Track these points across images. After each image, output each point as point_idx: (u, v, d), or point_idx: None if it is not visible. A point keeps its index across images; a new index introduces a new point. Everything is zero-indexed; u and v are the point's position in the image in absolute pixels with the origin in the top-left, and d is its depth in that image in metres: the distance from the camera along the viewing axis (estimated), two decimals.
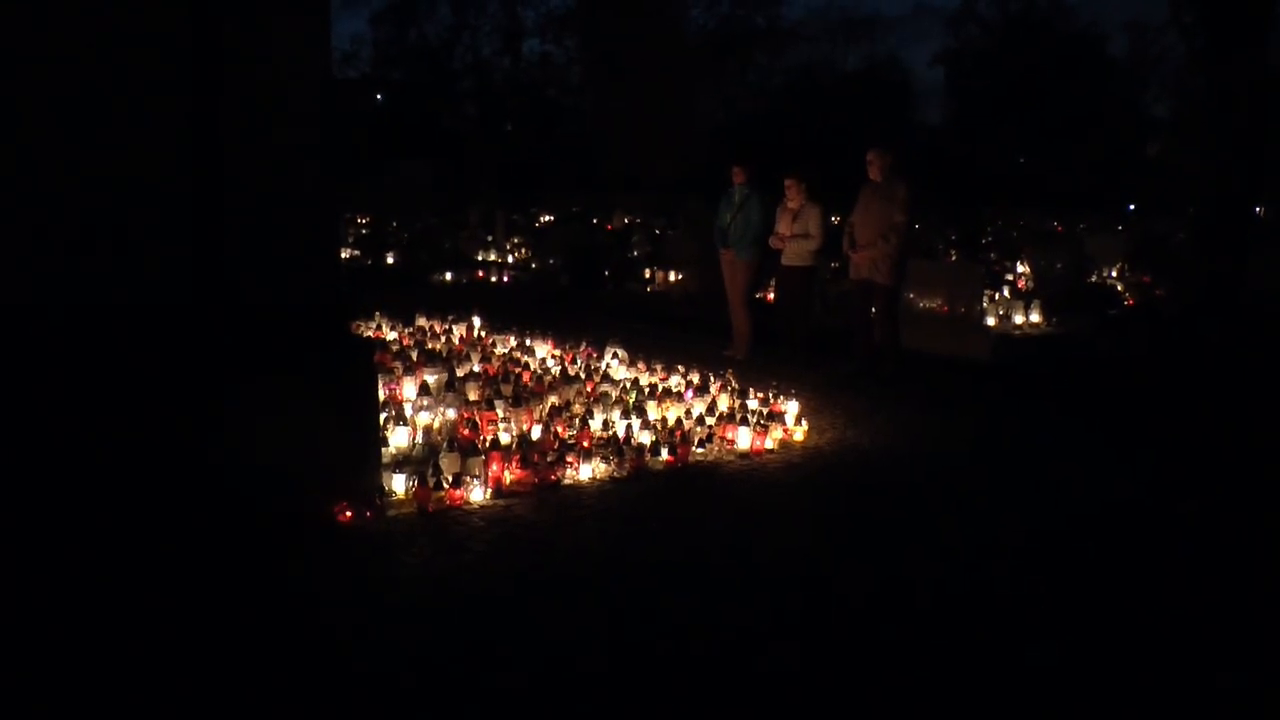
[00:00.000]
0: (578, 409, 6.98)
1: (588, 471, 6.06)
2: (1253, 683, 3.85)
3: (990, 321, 11.82)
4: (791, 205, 9.72)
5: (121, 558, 4.54)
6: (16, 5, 4.82)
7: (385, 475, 5.58)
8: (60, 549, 4.51)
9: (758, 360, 9.52)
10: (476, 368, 7.99)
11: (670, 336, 10.97)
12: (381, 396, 6.32)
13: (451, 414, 6.64)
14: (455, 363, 7.98)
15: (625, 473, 6.15)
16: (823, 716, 3.55)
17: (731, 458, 6.60)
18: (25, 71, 4.81)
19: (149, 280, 5.06)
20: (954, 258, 16.59)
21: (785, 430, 7.05)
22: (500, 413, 6.62)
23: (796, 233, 9.60)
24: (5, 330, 4.71)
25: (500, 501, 5.62)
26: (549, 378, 7.73)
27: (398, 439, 6.25)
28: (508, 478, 5.83)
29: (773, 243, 9.73)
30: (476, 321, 9.98)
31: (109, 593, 4.29)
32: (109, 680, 3.64)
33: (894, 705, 3.62)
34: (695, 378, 7.95)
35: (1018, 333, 11.88)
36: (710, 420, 7.01)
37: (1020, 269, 15.66)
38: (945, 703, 3.64)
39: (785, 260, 9.77)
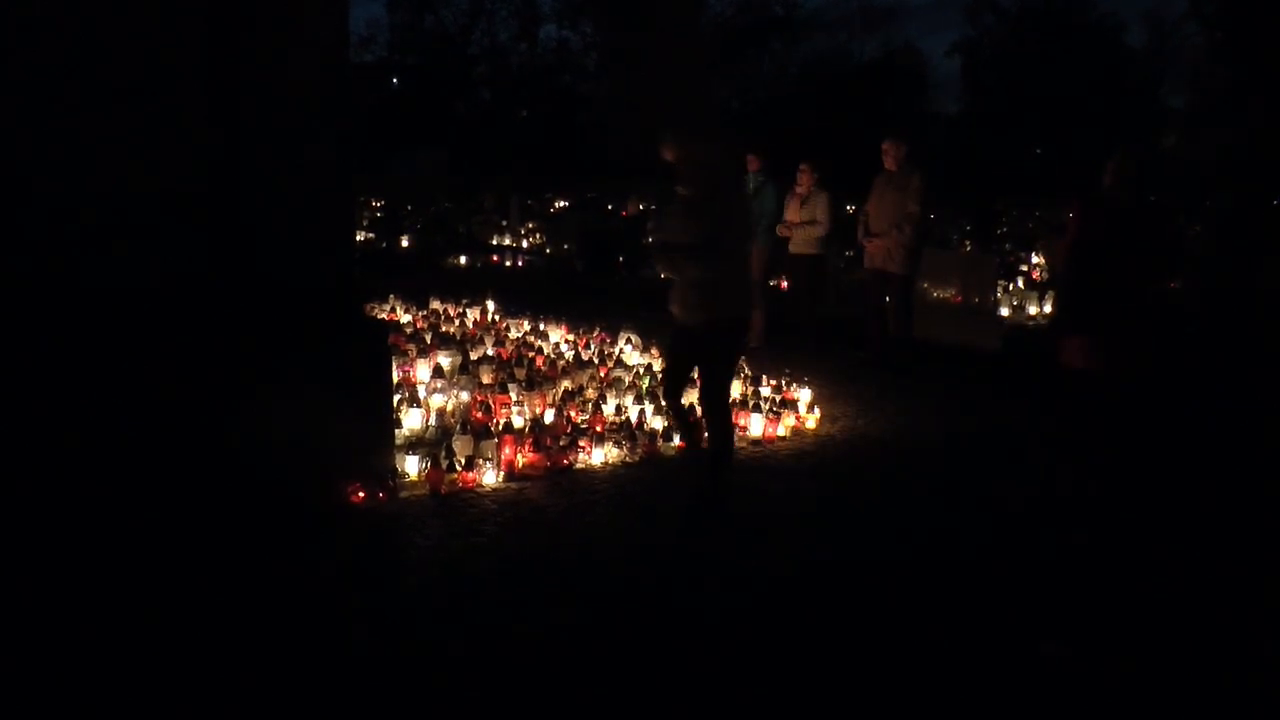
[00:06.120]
0: (591, 394, 7.01)
1: (600, 456, 6.10)
2: (1253, 679, 3.86)
3: (1004, 312, 11.79)
4: (800, 191, 9.72)
5: (138, 538, 4.59)
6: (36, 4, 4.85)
7: (398, 457, 5.62)
8: (80, 530, 4.56)
9: (770, 348, 9.53)
10: (490, 351, 8.02)
11: None
12: (395, 379, 6.36)
13: (465, 397, 6.68)
14: (469, 346, 8.02)
15: (637, 458, 6.18)
16: (831, 700, 3.59)
17: (743, 444, 6.60)
18: (45, 59, 4.85)
19: (166, 264, 5.09)
20: (968, 248, 16.53)
21: (797, 418, 7.07)
22: (513, 396, 6.65)
23: (804, 219, 9.60)
24: (34, 312, 4.76)
25: (512, 485, 5.66)
26: (562, 362, 7.76)
27: (411, 421, 6.29)
28: (520, 461, 5.87)
29: (780, 230, 9.74)
30: (491, 305, 10.00)
31: (124, 573, 4.35)
32: (121, 660, 3.69)
33: (904, 691, 3.65)
34: None
35: (1031, 324, 11.84)
36: None
37: (1035, 260, 15.60)
38: (952, 691, 3.67)
39: (792, 248, 9.79)
